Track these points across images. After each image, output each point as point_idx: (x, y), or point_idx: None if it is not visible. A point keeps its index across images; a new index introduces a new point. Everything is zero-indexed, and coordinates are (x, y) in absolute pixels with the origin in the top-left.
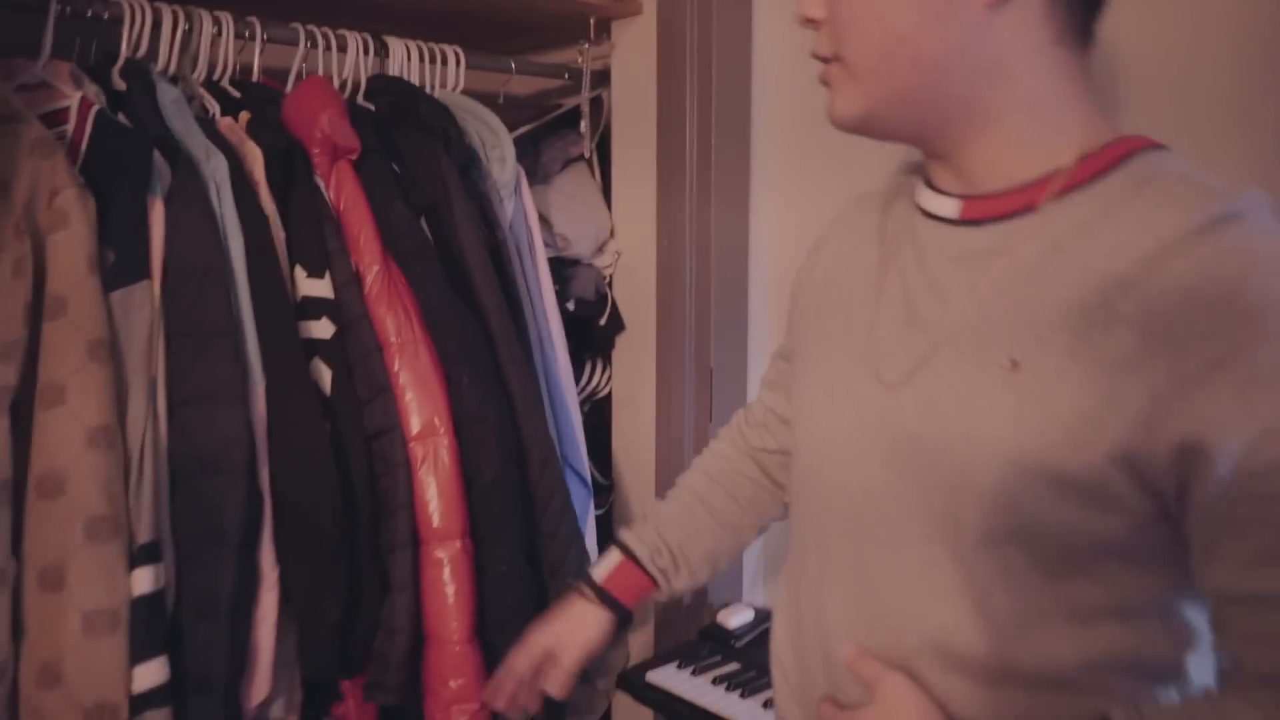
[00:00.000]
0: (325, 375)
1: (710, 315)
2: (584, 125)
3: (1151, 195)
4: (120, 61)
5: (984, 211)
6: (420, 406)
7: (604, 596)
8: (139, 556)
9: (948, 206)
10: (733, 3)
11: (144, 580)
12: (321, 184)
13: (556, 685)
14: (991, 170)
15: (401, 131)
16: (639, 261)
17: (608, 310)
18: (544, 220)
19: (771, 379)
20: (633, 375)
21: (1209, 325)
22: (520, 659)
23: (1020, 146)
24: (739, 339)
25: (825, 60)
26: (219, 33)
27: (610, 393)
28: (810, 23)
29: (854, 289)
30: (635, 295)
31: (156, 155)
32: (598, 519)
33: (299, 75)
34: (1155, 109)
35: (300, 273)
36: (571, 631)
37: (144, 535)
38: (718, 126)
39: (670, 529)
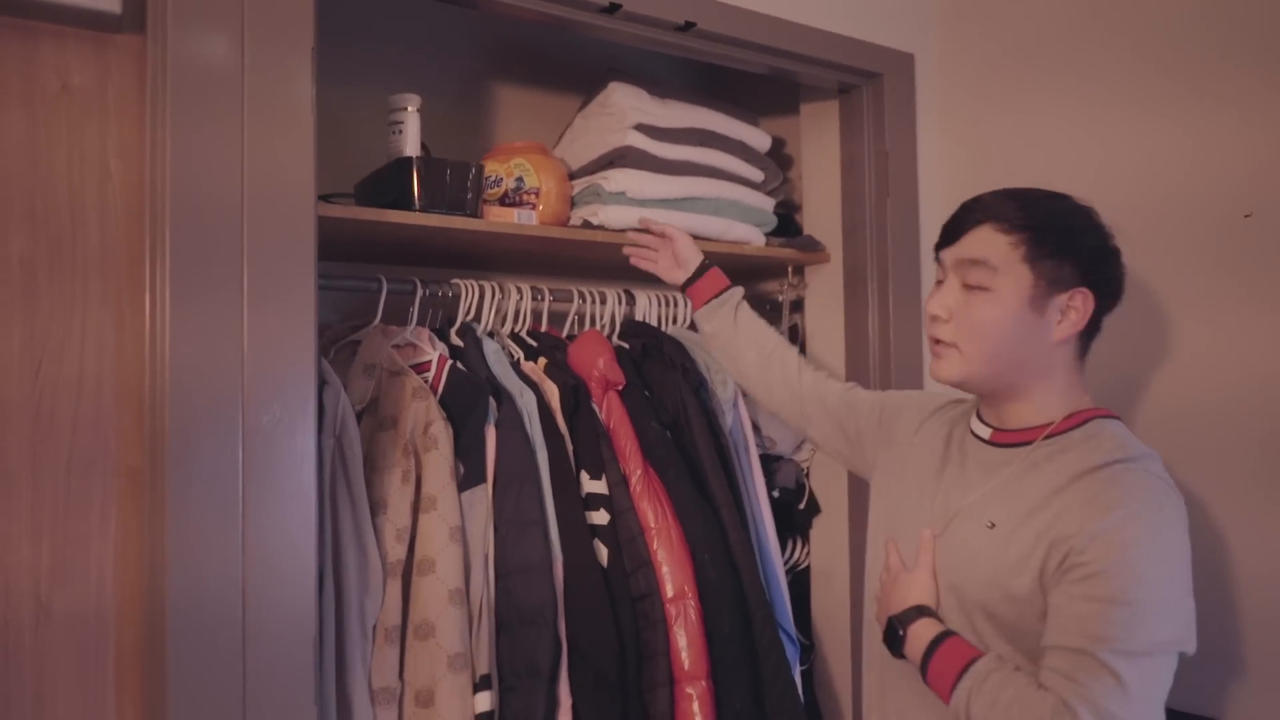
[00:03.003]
0: (603, 552)
1: None
2: None
3: (1091, 443)
4: (457, 324)
5: (1003, 439)
6: (673, 577)
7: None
8: (479, 684)
9: (985, 432)
10: (903, 251)
11: (483, 702)
12: (597, 409)
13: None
14: (1015, 417)
15: (650, 364)
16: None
17: (805, 496)
18: (755, 426)
19: (840, 391)
20: (828, 551)
21: (1090, 511)
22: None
23: (1038, 408)
24: None
25: (943, 343)
26: (521, 297)
27: (809, 566)
28: (936, 320)
29: (926, 466)
30: (829, 484)
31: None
32: (802, 674)
33: (573, 320)
34: None
35: (585, 476)
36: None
37: (482, 669)
38: (895, 349)
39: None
